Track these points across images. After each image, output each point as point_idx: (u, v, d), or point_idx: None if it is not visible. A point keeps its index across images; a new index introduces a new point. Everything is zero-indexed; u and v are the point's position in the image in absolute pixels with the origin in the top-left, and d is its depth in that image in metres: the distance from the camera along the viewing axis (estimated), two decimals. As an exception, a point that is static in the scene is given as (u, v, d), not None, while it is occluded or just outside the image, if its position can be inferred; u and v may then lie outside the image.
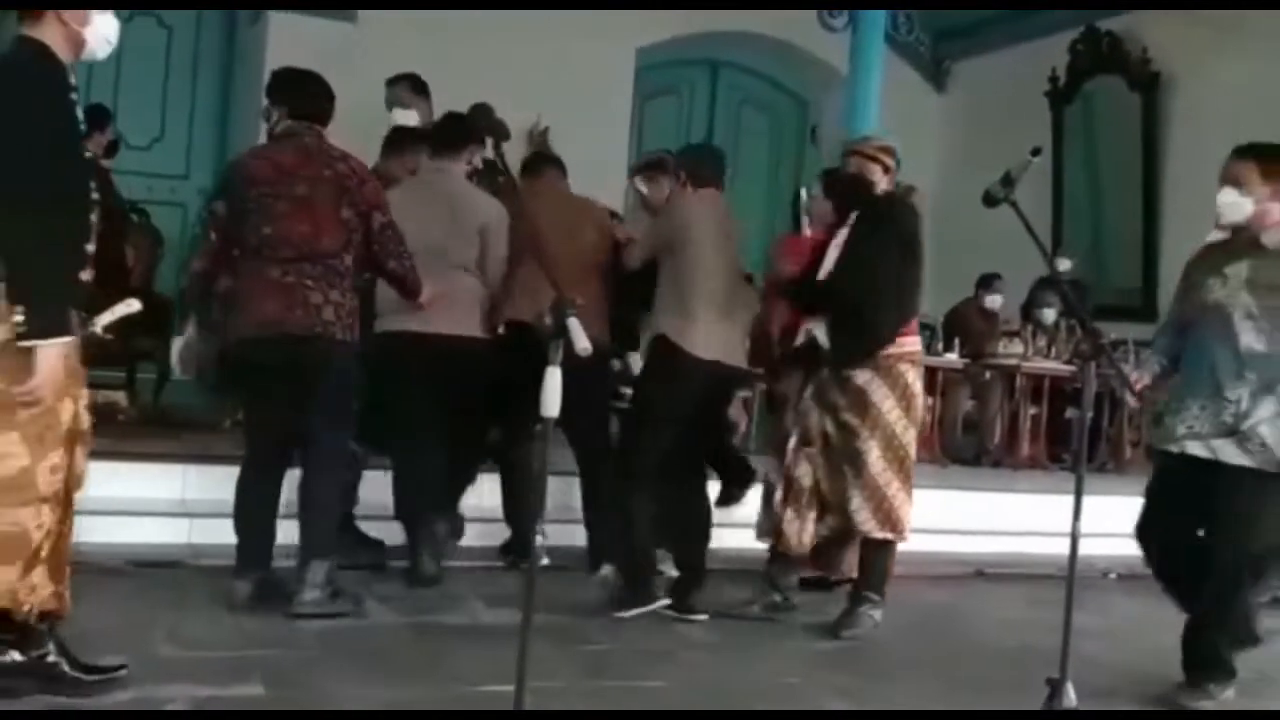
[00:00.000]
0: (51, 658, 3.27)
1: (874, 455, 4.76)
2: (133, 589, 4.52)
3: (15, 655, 3.23)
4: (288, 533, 4.48)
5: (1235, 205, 4.29)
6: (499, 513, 5.67)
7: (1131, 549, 4.55)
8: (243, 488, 4.38)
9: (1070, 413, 8.58)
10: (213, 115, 9.81)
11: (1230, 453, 4.21)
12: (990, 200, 4.22)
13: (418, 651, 4.15)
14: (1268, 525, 4.23)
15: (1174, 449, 4.31)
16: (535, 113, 9.75)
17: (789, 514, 4.86)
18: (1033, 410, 8.61)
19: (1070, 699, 3.73)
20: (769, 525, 5.06)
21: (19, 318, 3.02)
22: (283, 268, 4.22)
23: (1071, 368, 8.02)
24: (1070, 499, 3.90)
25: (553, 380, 2.80)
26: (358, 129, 5.31)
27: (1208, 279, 4.35)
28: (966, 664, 4.39)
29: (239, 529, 4.37)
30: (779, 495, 4.93)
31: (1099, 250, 10.19)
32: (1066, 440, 8.63)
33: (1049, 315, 8.76)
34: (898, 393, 4.82)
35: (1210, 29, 9.24)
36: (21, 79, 3.16)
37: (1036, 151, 4.66)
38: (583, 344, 2.88)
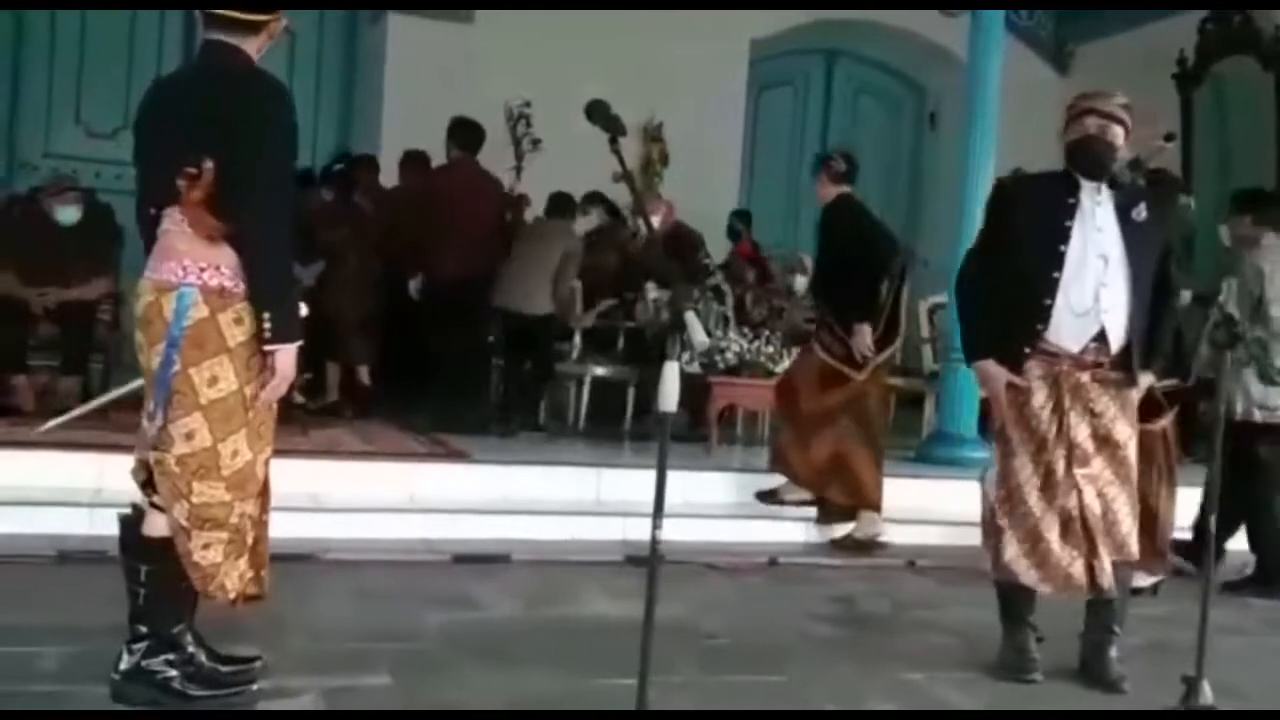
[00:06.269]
0: (190, 649, 3.35)
1: (1136, 471, 4.13)
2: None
3: (202, 655, 3.34)
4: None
5: None
6: (619, 508, 5.85)
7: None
8: None
9: (1203, 405, 8.30)
10: (336, 117, 10.04)
11: None
12: (1117, 185, 4.14)
13: (539, 644, 4.19)
14: None
15: None
16: (650, 108, 9.80)
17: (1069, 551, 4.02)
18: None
19: (1207, 696, 3.64)
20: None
21: (266, 323, 3.13)
22: None
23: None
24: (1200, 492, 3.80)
25: (671, 374, 2.79)
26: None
27: None
28: (1096, 661, 4.28)
29: None
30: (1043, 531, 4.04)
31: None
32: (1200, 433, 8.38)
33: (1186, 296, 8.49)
34: None
35: (1348, 4, 8.92)
36: (280, 96, 3.23)
37: (1170, 137, 4.54)
38: (700, 337, 2.87)
